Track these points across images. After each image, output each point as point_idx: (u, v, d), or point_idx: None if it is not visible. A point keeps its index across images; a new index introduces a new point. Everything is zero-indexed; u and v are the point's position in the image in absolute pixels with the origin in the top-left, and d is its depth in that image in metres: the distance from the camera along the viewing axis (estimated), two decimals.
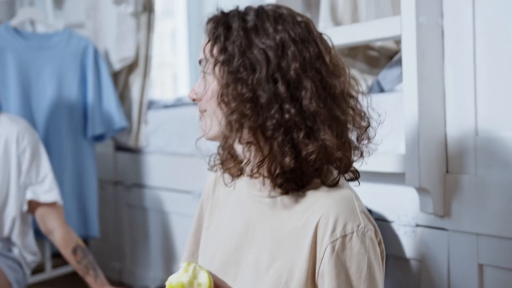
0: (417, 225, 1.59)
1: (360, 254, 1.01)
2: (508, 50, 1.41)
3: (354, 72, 1.83)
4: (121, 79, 2.81)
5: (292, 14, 1.07)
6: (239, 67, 1.03)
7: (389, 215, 1.67)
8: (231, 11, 1.08)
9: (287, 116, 1.01)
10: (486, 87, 1.44)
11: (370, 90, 1.80)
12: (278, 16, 1.05)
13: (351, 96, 1.08)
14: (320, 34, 1.08)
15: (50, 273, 2.70)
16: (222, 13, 1.09)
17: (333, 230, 1.01)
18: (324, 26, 1.88)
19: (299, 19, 1.06)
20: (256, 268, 1.09)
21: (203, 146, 1.17)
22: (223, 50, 1.05)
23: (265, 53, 1.02)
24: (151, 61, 2.75)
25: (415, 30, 1.46)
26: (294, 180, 1.06)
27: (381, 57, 1.86)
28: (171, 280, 0.99)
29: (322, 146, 1.02)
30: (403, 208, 1.63)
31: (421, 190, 1.51)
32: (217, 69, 1.06)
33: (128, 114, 2.75)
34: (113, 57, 2.74)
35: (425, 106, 1.48)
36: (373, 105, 1.12)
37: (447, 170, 1.51)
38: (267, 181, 1.09)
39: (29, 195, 2.02)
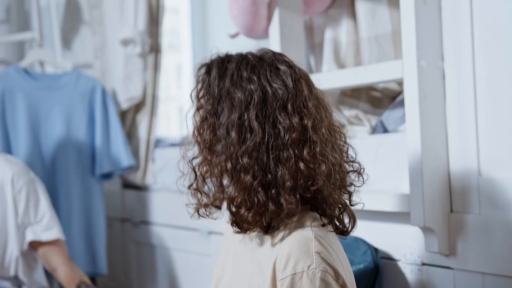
0: (423, 264, 1.61)
1: None
2: (508, 92, 1.44)
3: (357, 112, 1.88)
4: (128, 117, 2.86)
5: (273, 61, 1.13)
6: (207, 114, 1.12)
7: (395, 254, 1.69)
8: (217, 58, 1.16)
9: (228, 165, 1.08)
10: (487, 128, 1.47)
11: (374, 130, 1.84)
12: (256, 64, 1.12)
13: (313, 142, 1.10)
14: (298, 79, 1.12)
15: None
16: (211, 59, 1.16)
17: (285, 268, 1.06)
18: (327, 68, 1.93)
19: (279, 66, 1.12)
20: None
21: None
22: (202, 96, 1.14)
23: (231, 102, 1.09)
24: (158, 100, 2.80)
25: (416, 74, 1.50)
26: (237, 220, 1.13)
27: (384, 98, 1.91)
28: None
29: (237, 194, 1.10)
30: (408, 246, 1.65)
31: (426, 230, 1.53)
32: (196, 113, 1.16)
33: (135, 152, 2.79)
34: (121, 97, 2.79)
35: (428, 146, 1.51)
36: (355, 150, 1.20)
37: (451, 210, 1.54)
38: None
39: (29, 236, 2.04)
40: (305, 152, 1.08)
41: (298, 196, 1.09)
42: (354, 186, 1.19)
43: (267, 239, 1.15)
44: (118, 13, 2.79)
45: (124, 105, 2.80)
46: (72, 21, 3.16)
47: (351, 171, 1.18)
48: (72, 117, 2.64)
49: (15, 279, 2.09)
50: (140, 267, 2.89)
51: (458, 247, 1.52)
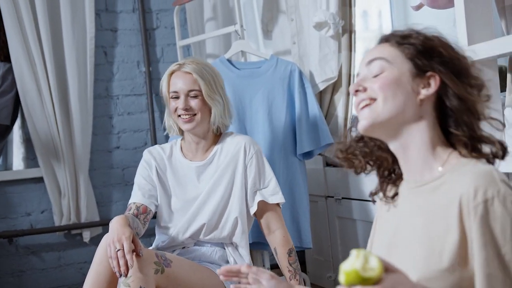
0: None
1: (502, 216, 1.11)
2: None
3: None
4: (326, 97, 2.97)
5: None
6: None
7: None
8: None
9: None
10: None
11: None
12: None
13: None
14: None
15: None
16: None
17: (475, 197, 1.13)
18: None
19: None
20: (412, 245, 1.23)
21: None
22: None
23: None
24: (354, 80, 2.87)
25: None
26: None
27: None
28: (345, 267, 1.05)
29: None
30: None
31: None
32: None
33: (334, 131, 2.89)
34: (317, 78, 2.91)
35: None
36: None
37: None
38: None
39: (258, 197, 2.26)
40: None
41: None
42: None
43: (432, 187, 1.23)
44: None
45: (321, 86, 2.91)
46: (271, 12, 3.35)
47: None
48: (273, 101, 2.82)
49: (223, 253, 2.29)
50: (344, 241, 3.00)
51: None
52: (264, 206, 2.27)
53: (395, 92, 1.24)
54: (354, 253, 1.06)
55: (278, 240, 2.26)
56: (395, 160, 1.32)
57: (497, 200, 1.11)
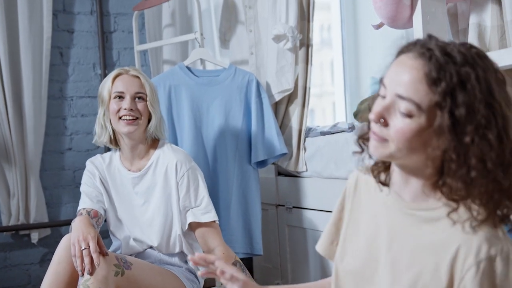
0: None
1: (503, 275, 1.11)
2: None
3: None
4: (281, 109, 3.04)
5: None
6: None
7: None
8: None
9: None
10: None
11: None
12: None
13: None
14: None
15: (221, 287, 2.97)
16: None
17: (478, 253, 1.11)
18: None
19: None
20: (393, 272, 1.22)
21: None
22: None
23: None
24: (309, 92, 2.95)
25: None
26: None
27: None
28: None
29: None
30: None
31: None
32: None
33: (288, 141, 2.96)
34: (274, 89, 2.98)
35: None
36: None
37: None
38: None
39: (190, 218, 2.26)
40: None
41: None
42: None
43: (427, 217, 1.20)
44: (271, 11, 2.97)
45: (277, 97, 2.98)
46: (229, 22, 3.40)
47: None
48: (230, 109, 2.87)
49: (181, 255, 2.34)
50: (293, 250, 3.07)
51: None
52: (198, 224, 2.27)
53: (411, 144, 1.15)
54: None
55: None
56: None
57: (499, 259, 1.11)
